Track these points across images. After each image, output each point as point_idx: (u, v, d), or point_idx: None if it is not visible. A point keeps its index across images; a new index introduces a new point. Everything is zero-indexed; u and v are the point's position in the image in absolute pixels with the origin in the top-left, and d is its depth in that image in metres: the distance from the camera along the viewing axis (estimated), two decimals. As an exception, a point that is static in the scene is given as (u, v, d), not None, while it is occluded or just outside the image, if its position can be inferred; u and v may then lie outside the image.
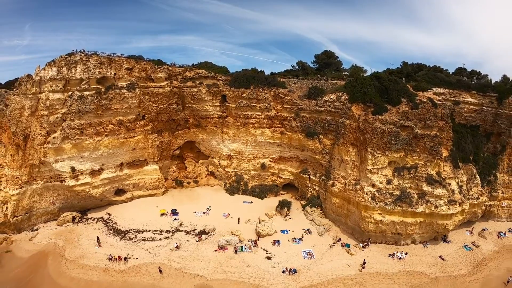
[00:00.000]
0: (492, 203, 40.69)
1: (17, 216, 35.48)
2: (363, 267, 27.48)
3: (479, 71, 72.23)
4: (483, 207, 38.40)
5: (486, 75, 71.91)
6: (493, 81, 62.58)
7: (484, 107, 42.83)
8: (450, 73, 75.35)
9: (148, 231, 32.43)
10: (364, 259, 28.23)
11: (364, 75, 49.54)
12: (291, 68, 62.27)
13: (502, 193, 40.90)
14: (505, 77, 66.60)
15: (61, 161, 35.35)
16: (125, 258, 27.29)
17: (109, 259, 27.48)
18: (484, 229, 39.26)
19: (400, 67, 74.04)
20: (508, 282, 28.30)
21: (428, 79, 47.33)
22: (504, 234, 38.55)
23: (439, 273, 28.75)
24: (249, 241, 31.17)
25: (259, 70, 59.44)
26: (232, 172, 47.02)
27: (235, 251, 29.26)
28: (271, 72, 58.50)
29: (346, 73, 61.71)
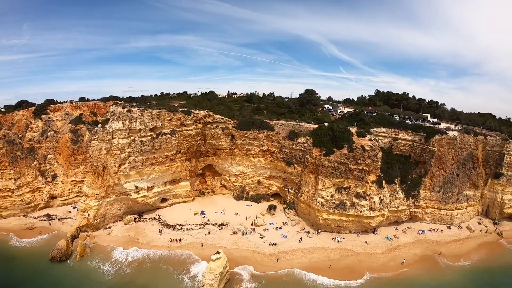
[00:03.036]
0: (416, 210, 63.52)
1: (96, 219, 58.94)
2: (300, 239, 52.34)
3: (437, 101, 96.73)
4: (406, 213, 61.16)
5: (443, 104, 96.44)
6: (450, 107, 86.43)
7: (415, 143, 65.48)
8: (417, 98, 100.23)
9: (188, 225, 57.00)
10: (302, 237, 53.23)
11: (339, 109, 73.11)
12: (281, 104, 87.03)
13: (425, 203, 63.32)
14: (453, 110, 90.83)
15: (128, 183, 59.33)
16: (179, 240, 51.51)
17: (170, 241, 51.67)
18: (409, 228, 62.09)
19: (374, 94, 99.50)
20: (403, 263, 49.57)
21: (379, 120, 70.64)
22: (424, 231, 60.92)
23: (361, 251, 51.82)
24: (250, 229, 55.76)
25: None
26: (238, 185, 71.48)
27: (242, 234, 53.94)
28: (266, 105, 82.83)
29: (324, 107, 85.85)
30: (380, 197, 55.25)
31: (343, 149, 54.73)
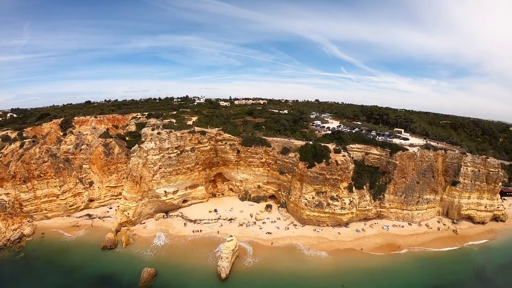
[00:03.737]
0: (382, 209, 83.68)
1: (134, 217, 78.95)
2: (287, 229, 72.71)
3: (412, 117, 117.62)
4: (373, 211, 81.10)
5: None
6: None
7: (382, 157, 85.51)
8: (398, 110, 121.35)
9: (205, 219, 77.41)
10: (290, 228, 73.48)
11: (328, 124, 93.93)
12: (277, 120, 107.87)
13: (389, 204, 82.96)
14: (422, 126, 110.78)
15: (159, 188, 79.93)
16: (200, 230, 72.27)
17: (193, 231, 72.44)
18: (376, 223, 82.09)
19: (360, 110, 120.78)
20: (362, 249, 69.46)
21: (355, 137, 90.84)
22: (387, 227, 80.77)
23: (334, 239, 72.12)
24: (252, 222, 76.23)
25: (259, 136, 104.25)
26: (242, 189, 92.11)
27: (246, 226, 74.26)
28: (265, 121, 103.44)
29: (314, 123, 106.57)
30: (350, 199, 75.72)
31: (322, 163, 75.12)
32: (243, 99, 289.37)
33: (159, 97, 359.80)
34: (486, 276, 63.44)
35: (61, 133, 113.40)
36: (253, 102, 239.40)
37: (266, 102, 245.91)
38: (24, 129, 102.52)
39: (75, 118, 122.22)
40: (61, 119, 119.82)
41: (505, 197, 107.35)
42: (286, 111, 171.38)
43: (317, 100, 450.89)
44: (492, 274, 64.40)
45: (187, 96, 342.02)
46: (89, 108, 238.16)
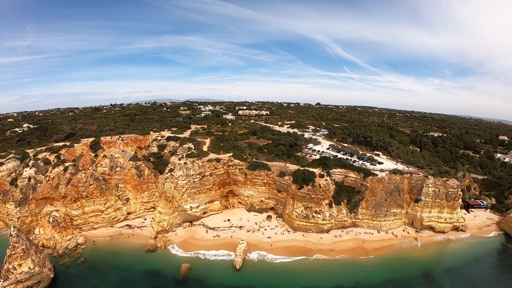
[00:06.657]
0: (356, 220, 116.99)
1: (168, 227, 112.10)
2: (283, 234, 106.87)
3: (390, 141, 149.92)
4: (349, 222, 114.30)
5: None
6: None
7: (357, 179, 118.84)
8: (375, 139, 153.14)
9: (221, 227, 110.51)
10: (283, 232, 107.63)
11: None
12: (277, 142, 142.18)
13: (362, 216, 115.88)
14: (396, 151, 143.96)
15: (186, 204, 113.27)
16: (218, 236, 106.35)
17: (213, 236, 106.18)
18: (351, 230, 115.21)
19: (347, 134, 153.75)
20: (332, 250, 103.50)
21: (337, 162, 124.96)
22: (360, 233, 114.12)
23: (317, 242, 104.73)
24: (256, 228, 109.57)
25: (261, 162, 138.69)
26: (249, 202, 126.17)
27: (252, 232, 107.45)
28: (266, 145, 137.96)
29: (307, 146, 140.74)
30: (330, 213, 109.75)
31: (308, 186, 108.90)
32: (246, 107, 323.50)
33: (165, 103, 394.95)
34: (432, 275, 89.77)
35: (92, 154, 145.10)
36: (256, 113, 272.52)
37: (268, 113, 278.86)
38: (60, 152, 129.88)
39: (102, 139, 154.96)
40: (91, 140, 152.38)
41: (472, 209, 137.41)
42: (286, 128, 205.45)
43: (318, 104, 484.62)
44: (438, 274, 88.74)
45: (192, 103, 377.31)
46: (101, 118, 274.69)
